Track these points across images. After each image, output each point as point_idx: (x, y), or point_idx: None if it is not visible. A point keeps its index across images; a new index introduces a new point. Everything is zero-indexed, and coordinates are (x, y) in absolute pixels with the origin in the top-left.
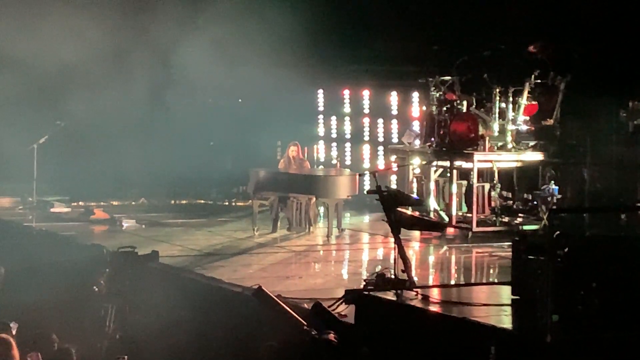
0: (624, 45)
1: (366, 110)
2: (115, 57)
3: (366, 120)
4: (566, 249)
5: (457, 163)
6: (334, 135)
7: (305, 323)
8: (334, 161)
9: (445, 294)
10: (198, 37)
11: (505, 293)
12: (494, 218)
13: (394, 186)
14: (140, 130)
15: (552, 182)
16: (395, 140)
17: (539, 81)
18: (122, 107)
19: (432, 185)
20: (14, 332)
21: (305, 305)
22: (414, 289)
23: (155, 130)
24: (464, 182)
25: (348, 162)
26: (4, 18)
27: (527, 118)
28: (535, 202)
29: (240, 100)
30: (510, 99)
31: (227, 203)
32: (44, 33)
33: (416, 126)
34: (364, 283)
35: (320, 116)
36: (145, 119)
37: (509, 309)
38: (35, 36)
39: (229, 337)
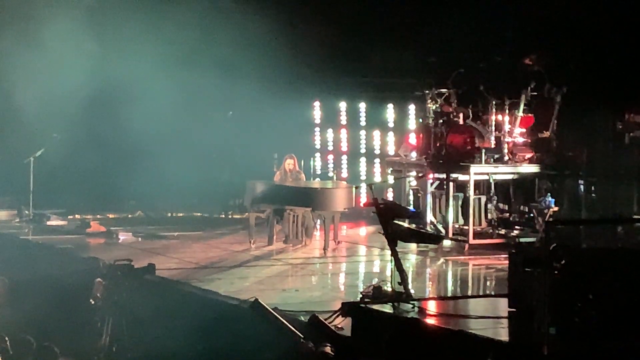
0: (619, 57)
1: (362, 123)
2: (112, 70)
3: (362, 133)
4: (563, 261)
5: (454, 175)
6: (330, 148)
7: (302, 336)
8: (331, 174)
9: (442, 307)
10: (194, 50)
11: (502, 305)
12: (491, 230)
13: (390, 198)
14: (136, 143)
15: (549, 194)
16: (391, 152)
17: (535, 93)
18: (118, 119)
19: (429, 198)
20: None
21: (302, 318)
22: (411, 302)
23: (151, 143)
24: (461, 195)
25: (344, 175)
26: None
27: (524, 130)
28: (531, 214)
29: (230, 113)
30: (507, 111)
31: (223, 215)
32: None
33: (413, 138)
34: (361, 296)
35: (317, 128)
36: (140, 132)
37: (506, 321)
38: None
39: (226, 350)
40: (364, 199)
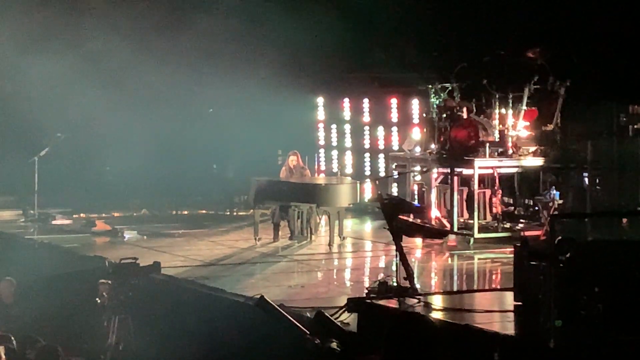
0: (623, 50)
1: (366, 118)
2: (116, 67)
3: (366, 128)
4: (568, 254)
5: (458, 169)
6: (334, 144)
7: (307, 332)
8: (335, 169)
9: (448, 301)
10: (198, 47)
11: (508, 299)
12: (496, 224)
13: (395, 194)
14: (141, 141)
15: (553, 187)
16: (395, 147)
17: (538, 87)
18: (122, 118)
19: (433, 192)
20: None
21: (308, 314)
22: (417, 297)
23: (156, 141)
24: (465, 189)
25: (349, 170)
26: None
27: (527, 123)
28: (536, 208)
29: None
30: (510, 104)
31: (228, 213)
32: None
33: (416, 133)
34: (367, 291)
35: (321, 124)
36: (146, 129)
37: (511, 315)
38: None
39: (232, 347)
40: (368, 195)
